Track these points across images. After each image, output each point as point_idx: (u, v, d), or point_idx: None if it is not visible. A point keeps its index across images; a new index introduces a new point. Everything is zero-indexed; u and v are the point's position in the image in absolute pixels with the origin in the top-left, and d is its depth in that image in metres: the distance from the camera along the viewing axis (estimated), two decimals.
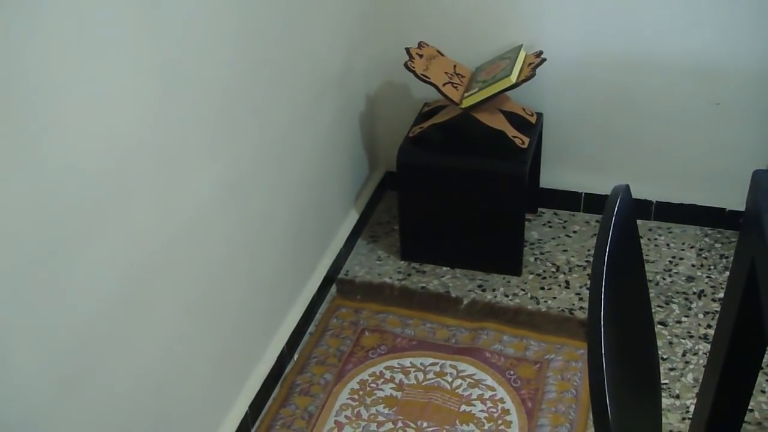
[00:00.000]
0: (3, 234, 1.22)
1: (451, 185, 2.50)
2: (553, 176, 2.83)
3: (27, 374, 1.31)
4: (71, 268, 1.38)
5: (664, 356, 2.26)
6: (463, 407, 2.12)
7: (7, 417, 1.29)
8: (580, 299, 2.48)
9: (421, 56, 2.49)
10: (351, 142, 2.69)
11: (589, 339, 0.99)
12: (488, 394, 2.16)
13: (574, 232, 2.78)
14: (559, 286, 2.54)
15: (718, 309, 2.39)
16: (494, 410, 2.11)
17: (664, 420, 2.08)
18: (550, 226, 2.81)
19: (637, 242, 1.26)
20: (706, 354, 2.25)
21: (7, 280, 1.24)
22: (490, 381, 2.19)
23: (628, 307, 1.18)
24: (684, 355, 2.27)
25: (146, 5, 1.49)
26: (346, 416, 2.11)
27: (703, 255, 2.64)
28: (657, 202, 2.77)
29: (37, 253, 1.30)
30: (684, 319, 2.39)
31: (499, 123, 2.47)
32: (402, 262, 2.67)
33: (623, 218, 1.12)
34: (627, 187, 1.16)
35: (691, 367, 2.23)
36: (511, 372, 2.22)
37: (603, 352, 0.97)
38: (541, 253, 2.68)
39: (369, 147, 2.87)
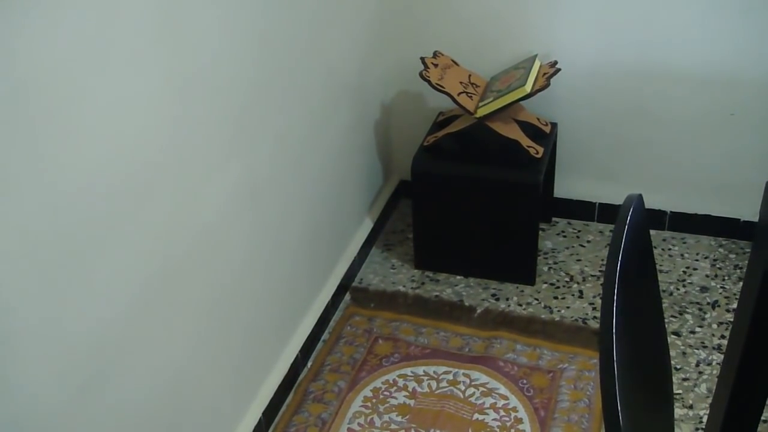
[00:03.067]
0: (23, 240, 1.24)
1: (466, 194, 2.51)
2: (567, 186, 2.83)
3: (44, 378, 1.33)
4: (88, 274, 1.39)
5: (678, 366, 2.26)
6: (476, 416, 2.13)
7: (24, 421, 1.30)
8: (594, 309, 2.48)
9: (436, 66, 2.50)
10: (366, 150, 2.70)
11: (601, 348, 0.99)
12: (501, 402, 2.16)
13: (588, 241, 2.78)
14: (573, 295, 2.54)
15: (732, 319, 2.38)
16: (507, 419, 2.11)
17: (677, 430, 2.07)
18: (564, 236, 2.81)
19: (650, 252, 1.27)
20: (719, 364, 2.25)
21: (26, 285, 1.26)
22: (503, 390, 2.20)
23: (640, 316, 1.19)
24: (698, 365, 2.26)
25: (165, 13, 1.51)
26: (359, 424, 2.12)
27: (717, 265, 2.64)
28: (671, 212, 2.76)
29: (56, 259, 1.31)
30: (698, 329, 2.39)
31: (513, 132, 2.48)
32: (416, 270, 2.68)
33: (636, 228, 1.13)
34: (640, 196, 1.17)
35: (705, 377, 2.22)
36: (524, 381, 2.22)
37: (615, 361, 0.97)
38: (555, 263, 2.68)
39: (384, 155, 2.88)
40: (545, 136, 2.58)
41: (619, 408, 0.95)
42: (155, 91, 1.52)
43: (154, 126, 1.53)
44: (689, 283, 2.56)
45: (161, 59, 1.52)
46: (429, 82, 2.43)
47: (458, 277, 2.63)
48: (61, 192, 1.30)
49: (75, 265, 1.35)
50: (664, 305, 2.45)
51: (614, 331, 0.99)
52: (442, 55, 2.58)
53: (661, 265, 2.63)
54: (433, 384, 2.23)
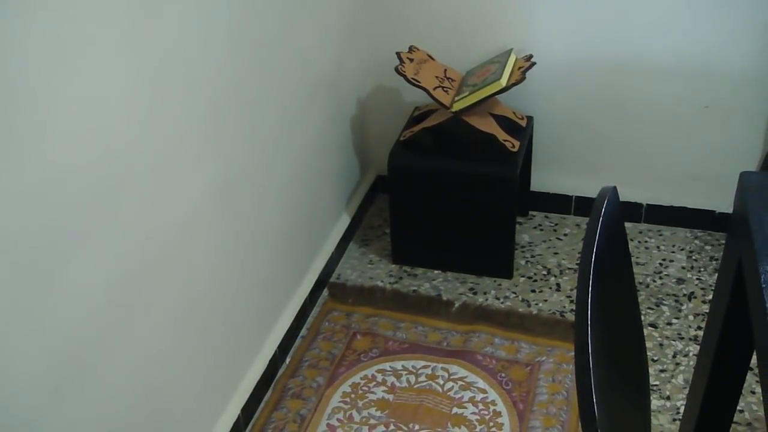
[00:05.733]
0: None
1: (442, 189, 2.51)
2: (543, 179, 2.84)
3: (21, 377, 1.31)
4: (63, 271, 1.38)
5: (655, 358, 2.27)
6: (455, 410, 2.13)
7: (2, 420, 1.29)
8: (571, 302, 2.49)
9: (411, 60, 2.50)
10: (342, 145, 2.70)
11: (576, 341, 0.99)
12: (480, 396, 2.16)
13: (565, 234, 2.78)
14: (550, 288, 2.55)
15: (708, 311, 2.39)
16: (486, 412, 2.11)
17: (655, 421, 2.09)
18: (541, 229, 2.82)
19: (624, 243, 1.27)
20: (696, 356, 2.26)
21: (0, 282, 1.25)
22: (481, 383, 2.20)
23: (616, 308, 1.19)
24: (674, 356, 2.28)
25: (138, 8, 1.50)
26: (338, 419, 2.11)
27: (693, 257, 2.65)
28: (647, 204, 2.78)
29: (29, 256, 1.30)
30: (674, 321, 2.40)
31: (489, 126, 2.48)
32: (393, 265, 2.68)
33: (610, 219, 1.13)
34: (614, 188, 1.17)
35: (682, 368, 2.24)
36: (503, 374, 2.23)
37: (590, 353, 0.97)
38: (532, 256, 2.68)
39: (360, 150, 2.88)
40: (521, 129, 2.58)
41: (594, 400, 0.95)
42: (128, 87, 1.50)
43: (128, 122, 1.51)
44: (666, 275, 2.58)
45: (135, 54, 1.51)
46: (405, 76, 2.42)
47: (436, 272, 2.63)
48: (33, 189, 1.29)
49: (48, 262, 1.34)
50: (640, 297, 2.46)
51: (589, 322, 0.99)
52: (418, 49, 2.57)
53: (637, 258, 2.64)
54: (412, 378, 2.23)
